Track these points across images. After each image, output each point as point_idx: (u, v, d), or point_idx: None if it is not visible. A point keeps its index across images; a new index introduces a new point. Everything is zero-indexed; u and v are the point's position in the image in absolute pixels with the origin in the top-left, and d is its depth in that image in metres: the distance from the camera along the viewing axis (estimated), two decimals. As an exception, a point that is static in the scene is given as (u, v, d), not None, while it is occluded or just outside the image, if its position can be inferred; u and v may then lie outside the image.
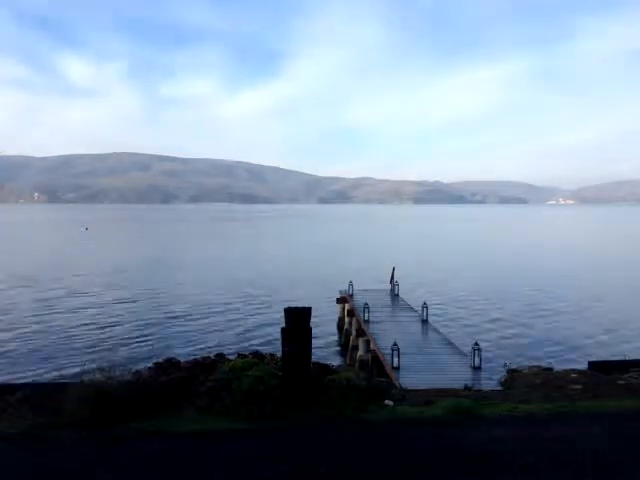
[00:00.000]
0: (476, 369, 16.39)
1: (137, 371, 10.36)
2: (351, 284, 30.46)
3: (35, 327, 29.07)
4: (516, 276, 49.54)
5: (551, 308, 34.55)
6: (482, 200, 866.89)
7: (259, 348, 12.32)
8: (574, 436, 8.22)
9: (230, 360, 10.76)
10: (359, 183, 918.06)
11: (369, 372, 18.46)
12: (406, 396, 10.90)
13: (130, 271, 53.19)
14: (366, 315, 23.61)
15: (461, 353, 18.52)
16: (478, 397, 11.02)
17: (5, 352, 24.05)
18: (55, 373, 19.64)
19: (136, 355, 22.24)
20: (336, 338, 28.22)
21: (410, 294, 32.20)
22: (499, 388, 13.91)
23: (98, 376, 9.14)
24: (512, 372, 16.21)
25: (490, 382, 14.98)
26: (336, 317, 30.79)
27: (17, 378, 19.17)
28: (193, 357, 11.80)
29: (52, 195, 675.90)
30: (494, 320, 30.88)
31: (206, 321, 30.47)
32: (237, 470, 7.01)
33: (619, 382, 12.31)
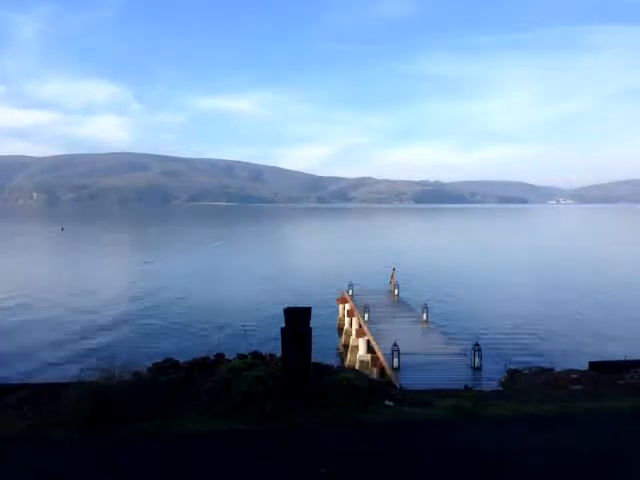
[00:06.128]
0: (476, 369, 16.41)
1: (137, 371, 10.32)
2: (351, 284, 30.47)
3: (35, 328, 29.07)
4: (515, 276, 49.53)
5: (551, 308, 34.55)
6: (482, 200, 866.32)
7: (259, 348, 12.29)
8: (575, 436, 8.21)
9: (230, 360, 10.73)
10: (359, 183, 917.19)
11: (369, 372, 18.47)
12: (406, 396, 10.89)
13: (131, 272, 53.22)
14: (366, 315, 23.61)
15: (461, 353, 18.53)
16: (478, 397, 11.01)
17: (5, 352, 24.04)
18: (55, 373, 19.64)
19: (136, 355, 22.14)
20: (336, 338, 28.22)
21: (410, 294, 32.20)
22: (499, 388, 13.92)
23: (98, 376, 9.11)
24: (512, 372, 16.19)
25: (490, 382, 14.99)
26: (336, 317, 30.80)
27: (17, 378, 19.16)
28: (193, 357, 11.75)
29: (52, 195, 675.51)
30: (494, 320, 30.87)
31: (206, 321, 30.46)
32: (237, 471, 7.00)
33: (619, 382, 12.29)
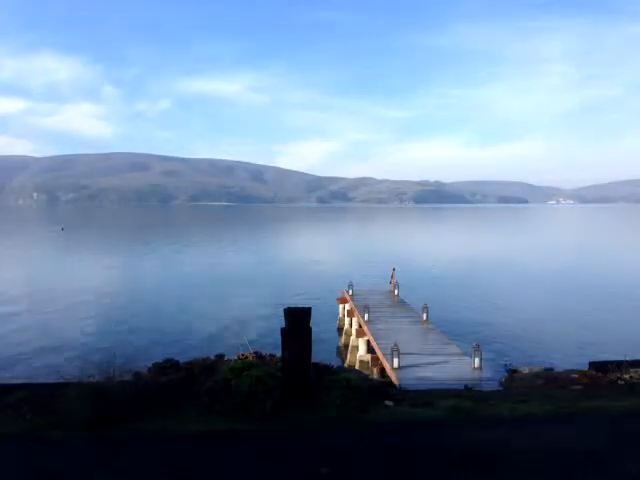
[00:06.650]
0: (476, 369, 16.38)
1: (137, 372, 10.34)
2: (351, 284, 30.45)
3: (35, 327, 29.06)
4: (516, 277, 49.53)
5: (551, 308, 34.55)
6: (482, 200, 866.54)
7: (259, 348, 12.33)
8: (574, 436, 8.21)
9: (230, 360, 10.75)
10: (359, 183, 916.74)
11: (369, 372, 18.47)
12: (406, 396, 10.90)
13: (130, 272, 53.24)
14: (366, 315, 23.61)
15: (461, 353, 18.52)
16: (478, 397, 11.02)
17: (5, 352, 24.04)
18: (55, 373, 19.61)
19: (136, 355, 22.14)
20: (336, 338, 28.22)
21: (410, 294, 32.18)
22: (499, 388, 13.91)
23: (98, 377, 9.12)
24: (512, 372, 16.21)
25: (490, 382, 14.96)
26: (336, 317, 30.80)
27: (17, 378, 19.16)
28: (193, 357, 11.78)
29: (52, 195, 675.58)
30: (494, 320, 30.86)
31: (206, 321, 30.45)
32: (237, 471, 7.00)
33: (619, 382, 12.30)
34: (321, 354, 22.71)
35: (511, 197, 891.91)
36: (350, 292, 29.94)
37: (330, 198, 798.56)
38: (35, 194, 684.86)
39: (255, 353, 12.01)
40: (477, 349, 16.60)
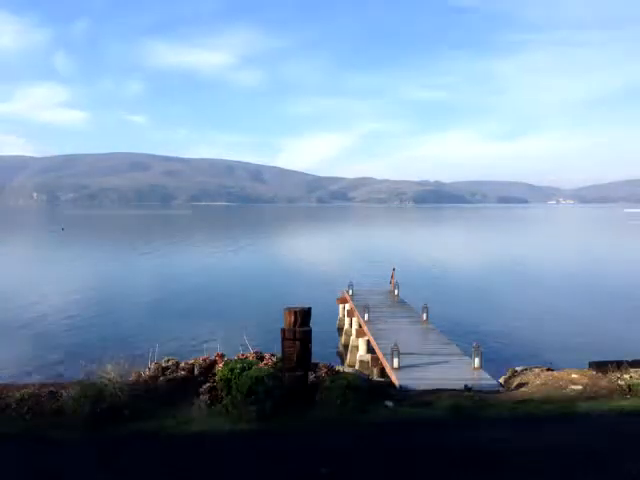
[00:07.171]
0: (476, 369, 16.38)
1: (137, 371, 10.34)
2: (351, 284, 30.45)
3: (35, 327, 29.07)
4: (516, 276, 49.54)
5: (551, 308, 34.55)
6: (482, 200, 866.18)
7: (259, 348, 12.33)
8: (574, 436, 8.21)
9: (230, 360, 10.75)
10: (359, 183, 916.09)
11: (369, 372, 18.47)
12: (406, 396, 10.90)
13: (130, 272, 53.26)
14: (366, 315, 23.61)
15: (461, 353, 18.52)
16: (478, 397, 11.02)
17: (5, 352, 24.04)
18: (55, 373, 19.63)
19: (136, 355, 22.18)
20: (336, 338, 28.23)
21: (410, 294, 32.19)
22: (499, 388, 13.91)
23: (98, 376, 9.13)
24: (512, 372, 16.19)
25: (490, 382, 14.97)
26: (336, 317, 30.80)
27: (17, 378, 19.16)
28: (193, 357, 11.78)
29: (52, 195, 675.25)
30: (494, 320, 30.88)
31: (206, 321, 30.44)
32: (237, 471, 7.00)
33: (619, 382, 12.29)
34: (321, 354, 22.69)
35: (511, 197, 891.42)
36: (350, 292, 29.93)
37: (330, 198, 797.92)
38: (35, 194, 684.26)
39: (255, 353, 12.01)
40: (477, 349, 16.60)
